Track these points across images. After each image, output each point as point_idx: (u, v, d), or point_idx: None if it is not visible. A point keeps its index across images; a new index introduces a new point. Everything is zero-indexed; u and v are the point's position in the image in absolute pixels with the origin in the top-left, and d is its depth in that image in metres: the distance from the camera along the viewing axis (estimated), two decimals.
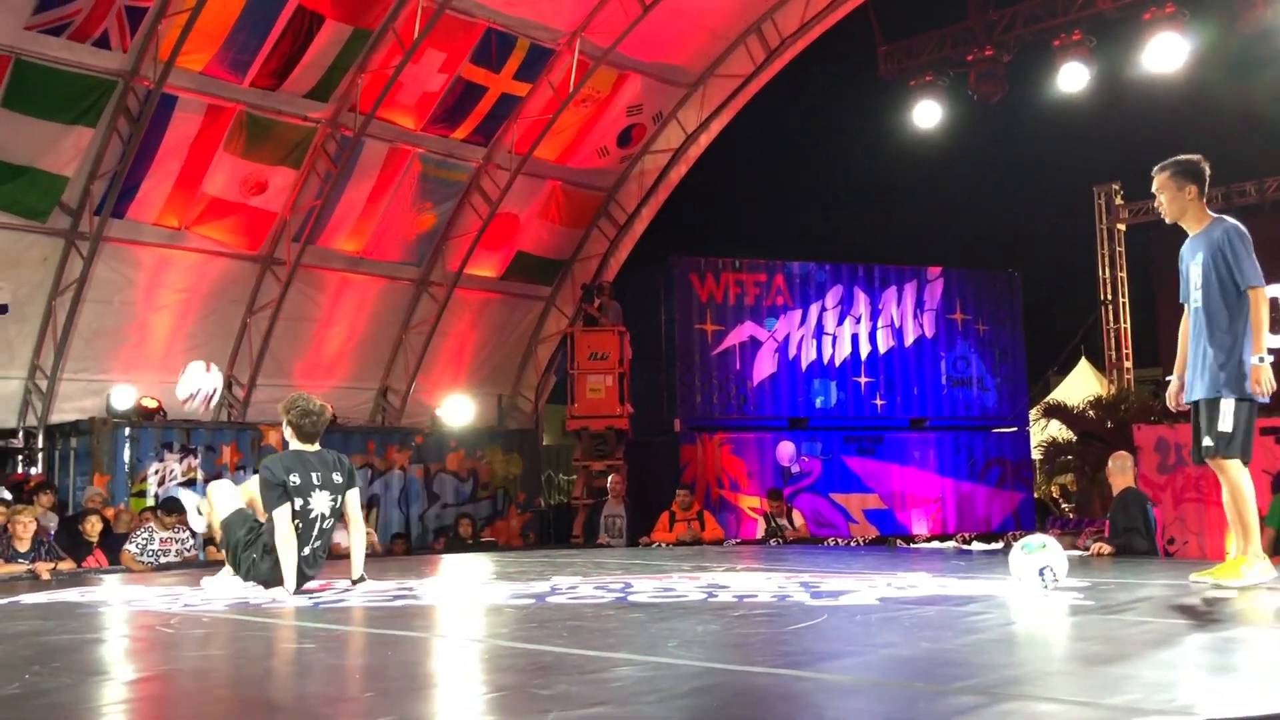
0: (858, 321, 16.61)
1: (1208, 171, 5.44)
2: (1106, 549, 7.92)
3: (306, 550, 5.97)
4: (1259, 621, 4.38)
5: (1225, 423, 5.17)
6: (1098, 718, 2.48)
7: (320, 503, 5.99)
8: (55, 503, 11.53)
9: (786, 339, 16.26)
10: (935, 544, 13.60)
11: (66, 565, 8.92)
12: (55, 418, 13.35)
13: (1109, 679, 3.01)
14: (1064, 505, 19.78)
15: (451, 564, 9.10)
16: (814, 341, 16.40)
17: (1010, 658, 3.57)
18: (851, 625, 4.23)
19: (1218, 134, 18.42)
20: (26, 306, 12.93)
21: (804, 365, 16.33)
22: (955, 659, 3.41)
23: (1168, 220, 5.57)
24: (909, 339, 16.82)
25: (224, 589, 6.08)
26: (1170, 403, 5.65)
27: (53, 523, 10.76)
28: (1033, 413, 18.35)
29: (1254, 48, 14.27)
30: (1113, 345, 20.06)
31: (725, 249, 16.76)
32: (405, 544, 13.85)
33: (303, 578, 5.95)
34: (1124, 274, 19.96)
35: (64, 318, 13.05)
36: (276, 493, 5.89)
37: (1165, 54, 13.72)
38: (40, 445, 13.35)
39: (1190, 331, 5.45)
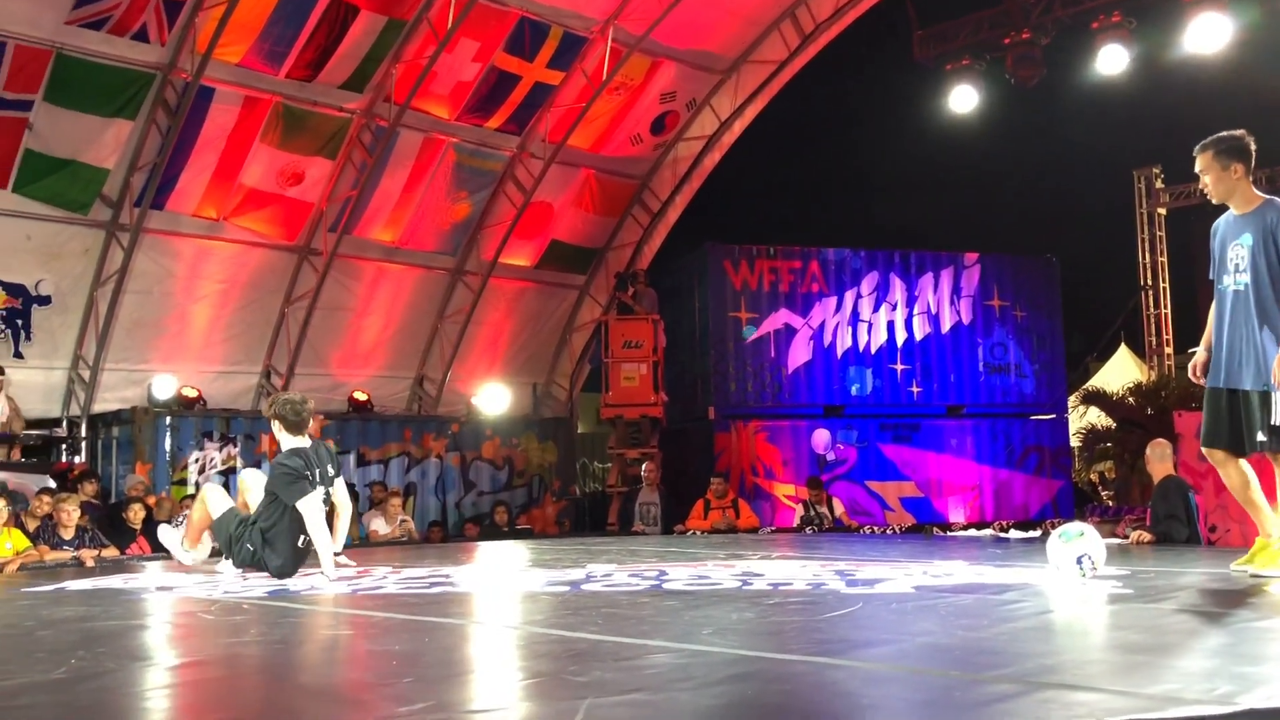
0: (894, 308, 16.48)
1: (1253, 148, 5.21)
2: (1146, 537, 7.85)
3: (301, 541, 6.28)
4: None
5: (1278, 416, 5.08)
6: (1136, 707, 2.46)
7: (320, 493, 6.37)
8: (99, 491, 11.70)
9: (822, 326, 16.17)
10: (972, 532, 13.49)
11: (110, 552, 9.08)
12: (98, 407, 13.54)
13: (1147, 668, 2.98)
14: (1103, 493, 19.60)
15: (487, 551, 9.16)
16: (849, 329, 16.29)
17: (1047, 646, 3.54)
18: (887, 613, 4.21)
19: (1262, 116, 18.06)
20: (69, 298, 13.11)
21: (839, 352, 16.22)
22: (991, 647, 3.39)
23: (1214, 200, 5.37)
24: (946, 326, 16.67)
25: (172, 541, 6.85)
26: (1191, 374, 5.52)
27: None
28: (1071, 399, 18.15)
29: None
30: (1153, 331, 19.84)
31: (760, 236, 16.66)
32: (442, 531, 13.97)
33: (299, 565, 6.31)
34: (1164, 259, 19.72)
35: (105, 309, 13.21)
36: (300, 485, 6.15)
37: (1207, 35, 13.44)
38: (84, 434, 13.52)
39: (1228, 314, 5.21)
